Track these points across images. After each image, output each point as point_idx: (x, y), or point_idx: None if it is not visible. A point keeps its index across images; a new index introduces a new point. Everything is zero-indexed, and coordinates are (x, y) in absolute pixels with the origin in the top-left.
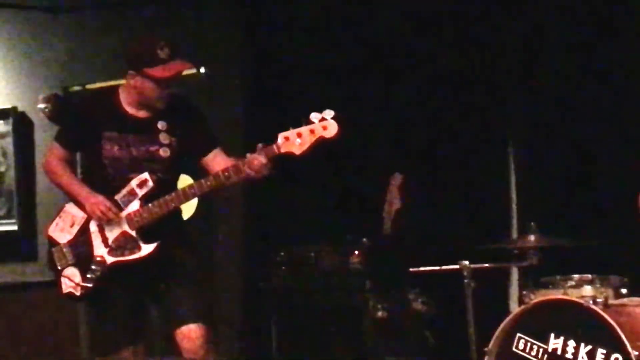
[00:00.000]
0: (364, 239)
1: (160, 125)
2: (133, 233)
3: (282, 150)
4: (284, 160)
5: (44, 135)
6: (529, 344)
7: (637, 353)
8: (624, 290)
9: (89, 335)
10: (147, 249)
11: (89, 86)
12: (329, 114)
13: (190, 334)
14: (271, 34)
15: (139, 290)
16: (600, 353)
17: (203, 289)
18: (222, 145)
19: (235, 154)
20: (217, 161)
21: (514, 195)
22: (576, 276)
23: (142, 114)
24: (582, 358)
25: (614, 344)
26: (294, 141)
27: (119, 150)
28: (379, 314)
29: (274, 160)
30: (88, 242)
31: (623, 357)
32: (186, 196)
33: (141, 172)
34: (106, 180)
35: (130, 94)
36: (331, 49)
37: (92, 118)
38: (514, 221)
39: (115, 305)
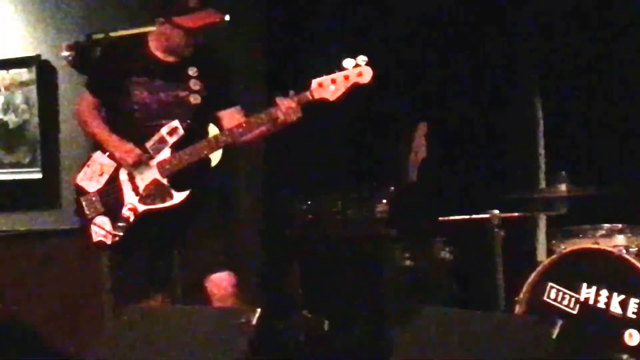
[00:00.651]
0: (391, 187)
1: (191, 71)
2: (164, 181)
3: (316, 96)
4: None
5: (67, 84)
6: (560, 293)
7: None
8: None
9: (112, 283)
10: (178, 196)
11: (112, 34)
12: (362, 59)
13: (220, 281)
14: None
15: (167, 238)
16: (634, 302)
17: (231, 236)
18: (244, 97)
19: (257, 106)
20: (236, 118)
21: (541, 144)
22: (606, 225)
23: (171, 59)
24: (615, 307)
25: None
26: (327, 87)
27: (148, 95)
28: (406, 262)
29: (304, 108)
30: (118, 191)
31: None
32: (218, 144)
33: (171, 118)
34: (135, 126)
35: (159, 41)
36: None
37: (121, 64)
38: (542, 170)
39: (144, 254)
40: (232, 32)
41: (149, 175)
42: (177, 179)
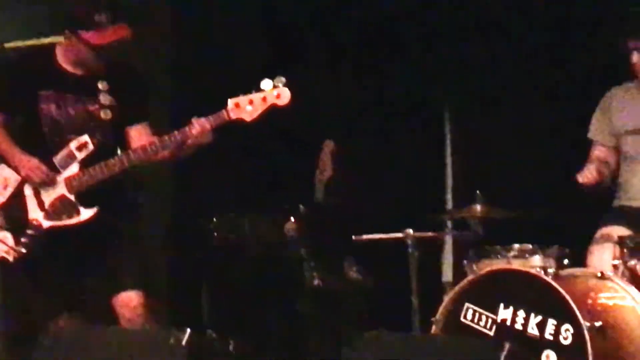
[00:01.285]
0: (300, 206)
1: (101, 85)
2: (71, 197)
3: (232, 117)
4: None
5: None
6: (477, 314)
7: (588, 324)
8: (566, 261)
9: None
10: (86, 213)
11: (7, 45)
12: (280, 80)
13: (129, 301)
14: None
15: (76, 255)
16: (551, 324)
17: (140, 255)
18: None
19: (160, 126)
20: (143, 134)
21: (449, 164)
22: (517, 246)
23: (80, 72)
24: (532, 328)
25: (565, 315)
26: (244, 108)
27: (56, 109)
28: (315, 282)
29: (217, 129)
30: (22, 206)
31: (574, 328)
32: (130, 161)
33: (80, 133)
34: (43, 141)
35: (66, 54)
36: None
37: (27, 77)
38: (449, 190)
39: (51, 271)
40: (141, 47)
41: (55, 191)
42: (86, 196)
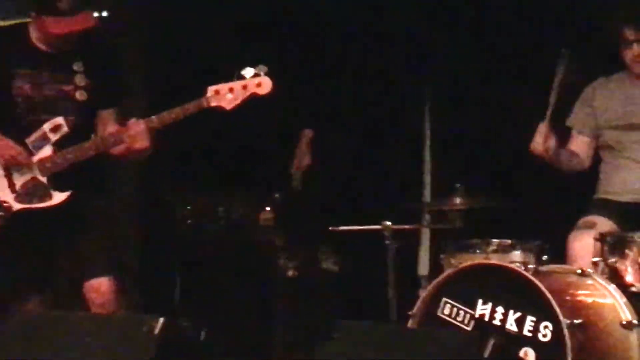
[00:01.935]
0: (276, 194)
1: (77, 66)
2: (44, 180)
3: (212, 104)
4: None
5: None
6: (455, 309)
7: (567, 321)
8: (545, 257)
9: None
10: (58, 197)
11: None
12: (262, 69)
13: (100, 287)
14: None
15: (47, 239)
16: (530, 320)
17: (110, 240)
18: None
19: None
20: (108, 121)
21: (428, 156)
22: (496, 240)
23: (54, 51)
24: (511, 325)
25: (545, 312)
26: (224, 95)
27: (30, 88)
28: (289, 272)
29: (154, 132)
30: None
31: (553, 325)
32: (105, 144)
33: (55, 114)
34: (16, 120)
35: (37, 32)
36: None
37: (2, 55)
38: (428, 183)
39: (21, 254)
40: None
41: (27, 173)
42: (59, 179)
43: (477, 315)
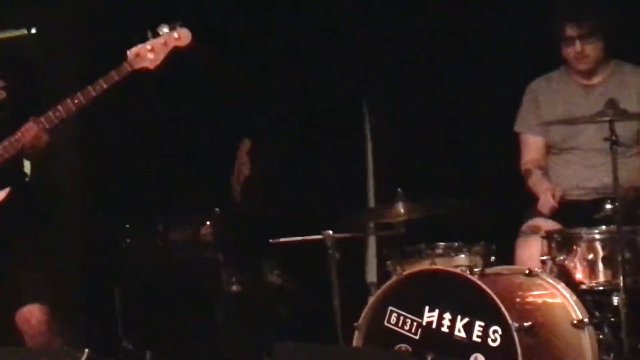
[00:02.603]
0: (216, 209)
1: None
2: None
3: (136, 67)
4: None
5: None
6: (402, 318)
7: (516, 324)
8: (492, 258)
9: None
10: None
11: None
12: (177, 23)
13: (30, 316)
14: None
15: None
16: (479, 325)
17: (47, 265)
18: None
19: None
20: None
21: (370, 162)
22: (442, 244)
23: None
24: (459, 331)
25: (493, 316)
26: (146, 56)
27: None
28: (233, 288)
29: (50, 132)
30: None
31: (502, 329)
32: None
33: None
34: None
35: None
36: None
37: None
38: (371, 189)
39: None
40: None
41: None
42: None
43: (424, 323)
